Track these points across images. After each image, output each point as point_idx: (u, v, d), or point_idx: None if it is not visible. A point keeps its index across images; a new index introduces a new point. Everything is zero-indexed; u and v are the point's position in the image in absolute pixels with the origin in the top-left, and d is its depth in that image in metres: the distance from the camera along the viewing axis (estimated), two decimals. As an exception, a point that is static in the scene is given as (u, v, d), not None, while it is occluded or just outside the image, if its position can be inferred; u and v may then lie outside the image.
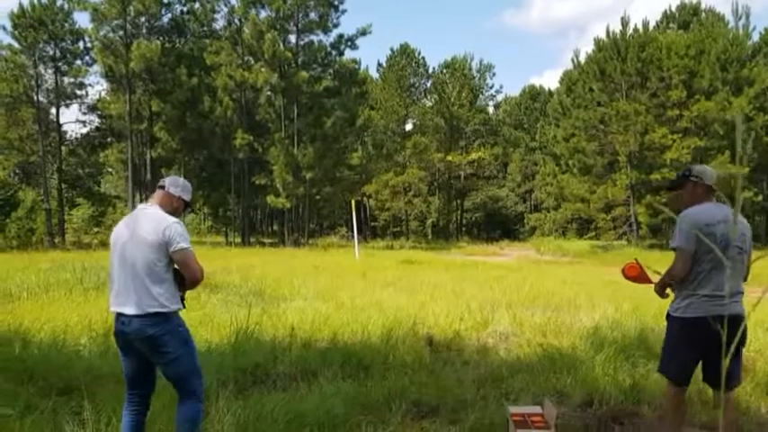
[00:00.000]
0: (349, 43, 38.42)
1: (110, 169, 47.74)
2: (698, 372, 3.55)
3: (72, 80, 36.38)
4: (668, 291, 3.63)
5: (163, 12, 36.63)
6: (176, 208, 3.52)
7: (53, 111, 36.40)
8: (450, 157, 48.57)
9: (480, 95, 55.37)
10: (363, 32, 38.14)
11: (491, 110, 60.21)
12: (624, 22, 32.79)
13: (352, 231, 27.08)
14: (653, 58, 31.30)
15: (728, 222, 3.38)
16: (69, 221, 35.93)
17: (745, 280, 3.53)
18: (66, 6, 34.77)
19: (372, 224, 56.82)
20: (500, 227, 56.75)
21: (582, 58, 36.35)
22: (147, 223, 3.31)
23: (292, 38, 37.29)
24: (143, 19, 35.69)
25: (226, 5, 38.14)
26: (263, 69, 35.88)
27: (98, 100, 37.99)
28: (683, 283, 3.47)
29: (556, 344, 6.39)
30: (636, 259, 4.00)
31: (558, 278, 14.84)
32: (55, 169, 37.30)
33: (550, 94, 57.66)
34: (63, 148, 37.25)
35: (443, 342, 6.65)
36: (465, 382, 5.13)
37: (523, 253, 32.63)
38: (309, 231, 41.01)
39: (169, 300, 3.29)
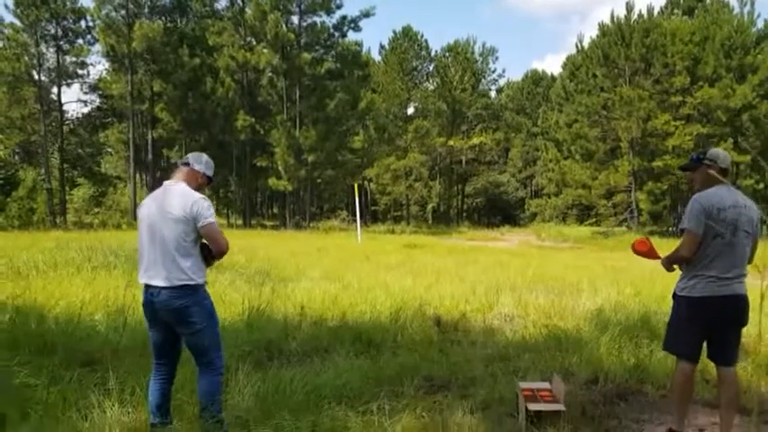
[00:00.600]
0: (352, 25, 38.31)
1: (110, 149, 47.70)
2: (702, 352, 3.68)
3: (73, 59, 36.23)
4: (675, 266, 3.74)
5: (165, -9, 36.45)
6: (201, 184, 3.64)
7: (54, 90, 36.35)
8: (451, 142, 48.54)
9: (482, 80, 55.16)
10: (366, 14, 37.99)
11: (493, 94, 60.04)
12: (629, 8, 32.66)
13: (354, 215, 27.21)
14: (657, 44, 31.23)
15: (738, 207, 3.49)
16: (70, 201, 36.01)
17: (750, 262, 3.65)
18: (67, -15, 34.56)
19: (373, 208, 56.92)
20: (501, 212, 56.89)
21: (586, 43, 36.28)
22: (174, 200, 3.41)
23: (295, 19, 37.16)
24: (145, -2, 35.53)
25: (228, -15, 37.93)
26: (265, 50, 35.78)
27: (99, 80, 37.90)
28: (690, 263, 3.59)
29: (561, 325, 6.52)
30: (646, 236, 4.11)
31: (560, 263, 14.98)
32: (56, 149, 37.28)
33: (553, 78, 57.47)
34: (64, 127, 37.20)
35: (450, 323, 6.78)
36: (473, 361, 5.28)
37: (524, 238, 32.81)
38: (310, 215, 41.12)
39: (196, 273, 3.42)
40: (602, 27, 33.98)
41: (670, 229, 32.15)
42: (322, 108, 36.18)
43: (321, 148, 35.16)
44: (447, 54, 52.64)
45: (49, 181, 34.56)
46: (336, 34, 38.91)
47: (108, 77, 37.77)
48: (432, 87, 53.24)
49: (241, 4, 37.82)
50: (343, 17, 38.10)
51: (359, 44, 43.89)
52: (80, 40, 36.07)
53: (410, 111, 53.20)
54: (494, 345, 5.93)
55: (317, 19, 37.77)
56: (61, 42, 35.13)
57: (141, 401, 3.75)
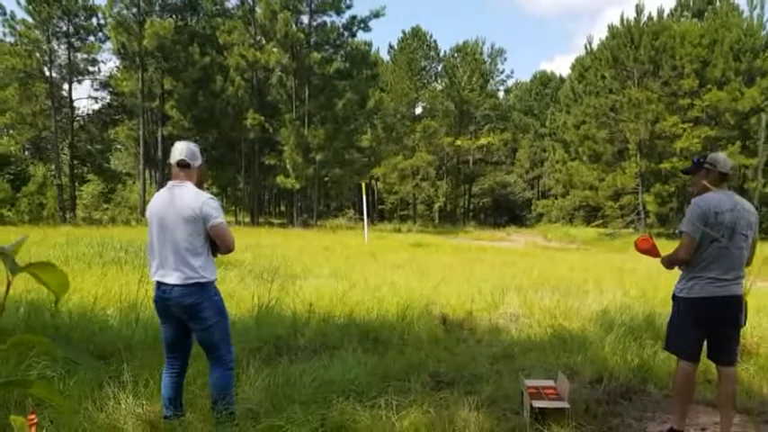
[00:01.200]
0: (362, 25, 38.35)
1: (119, 146, 47.98)
2: (702, 352, 3.75)
3: (85, 56, 36.49)
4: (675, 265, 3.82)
5: (176, -10, 36.64)
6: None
7: (65, 86, 36.70)
8: (459, 142, 48.54)
9: (491, 80, 55.12)
10: (377, 14, 38.04)
11: (501, 95, 59.99)
12: (639, 10, 32.61)
13: (361, 214, 27.29)
14: (666, 46, 31.16)
15: (735, 211, 3.56)
16: (80, 197, 36.27)
17: (749, 265, 3.72)
18: (79, -18, 34.80)
19: (380, 207, 56.99)
20: (507, 213, 56.82)
21: (595, 45, 36.24)
22: (184, 200, 3.51)
23: (305, 18, 37.30)
24: (156, -4, 35.73)
25: (239, -16, 38.08)
26: (275, 50, 35.89)
27: (110, 77, 38.18)
28: (689, 265, 3.67)
29: (566, 325, 6.59)
30: (649, 233, 4.20)
31: (566, 264, 15.02)
32: (66, 145, 37.56)
33: (561, 80, 57.34)
34: (74, 123, 37.48)
35: (456, 321, 6.87)
36: (479, 359, 5.36)
37: (531, 239, 32.80)
38: (317, 213, 41.27)
39: (207, 270, 3.53)
40: (611, 29, 33.96)
41: (677, 231, 32.01)
42: (330, 107, 36.30)
43: (329, 146, 35.29)
44: (456, 54, 52.68)
45: (59, 177, 34.85)
46: (346, 34, 39.01)
47: (119, 75, 38.04)
48: (440, 87, 53.30)
49: (251, 3, 37.95)
50: (353, 17, 38.24)
51: (368, 44, 44.01)
52: (91, 38, 36.30)
53: (418, 110, 53.29)
54: (499, 343, 6.01)
55: (327, 19, 37.96)
56: (72, 39, 35.37)
57: (155, 394, 3.85)
